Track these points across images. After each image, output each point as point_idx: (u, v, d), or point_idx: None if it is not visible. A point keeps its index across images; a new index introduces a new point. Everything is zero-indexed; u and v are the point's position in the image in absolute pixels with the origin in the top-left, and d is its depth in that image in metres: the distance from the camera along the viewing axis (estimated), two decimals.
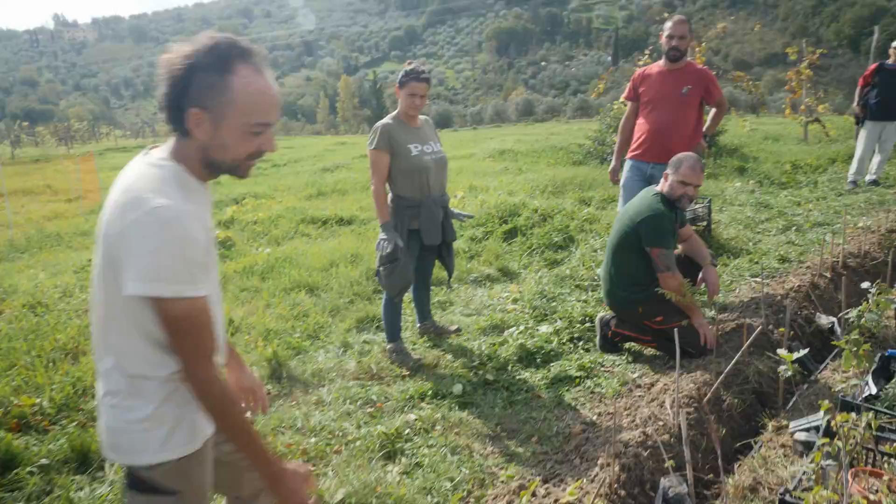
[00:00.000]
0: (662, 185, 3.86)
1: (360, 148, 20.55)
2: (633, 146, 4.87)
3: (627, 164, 4.92)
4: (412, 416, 3.41)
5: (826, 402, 1.90)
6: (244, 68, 1.44)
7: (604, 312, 4.14)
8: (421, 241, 3.94)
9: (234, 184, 11.85)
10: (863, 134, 8.45)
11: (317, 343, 4.57)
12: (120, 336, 1.49)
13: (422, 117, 4.02)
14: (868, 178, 8.48)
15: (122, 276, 1.40)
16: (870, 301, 2.98)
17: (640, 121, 4.83)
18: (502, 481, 2.82)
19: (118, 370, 1.51)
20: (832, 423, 1.33)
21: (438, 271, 4.81)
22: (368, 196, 10.61)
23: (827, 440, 1.60)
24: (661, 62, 4.77)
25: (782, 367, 2.83)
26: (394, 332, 4.19)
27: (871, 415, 1.52)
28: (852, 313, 3.00)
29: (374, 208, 3.91)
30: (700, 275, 4.01)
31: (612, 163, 5.19)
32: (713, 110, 4.96)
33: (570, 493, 2.28)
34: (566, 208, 7.19)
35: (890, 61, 8.15)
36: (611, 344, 4.01)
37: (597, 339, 4.10)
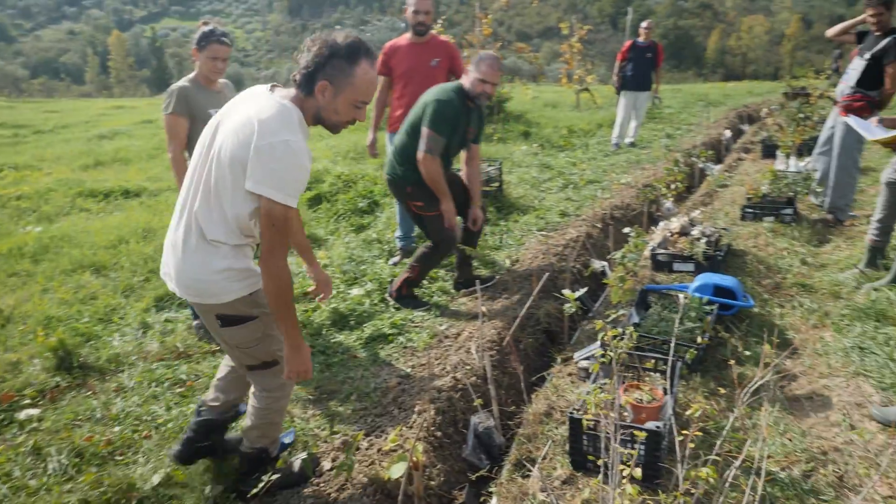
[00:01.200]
0: (465, 80, 4.03)
1: (141, 112, 18.71)
2: (392, 119, 5.04)
3: (388, 137, 5.13)
4: None
5: (599, 321, 2.26)
6: (365, 62, 2.07)
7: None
8: None
9: None
10: (621, 102, 9.64)
11: (111, 327, 4.23)
12: (216, 212, 2.08)
13: (221, 81, 3.84)
14: (627, 140, 9.72)
15: (248, 174, 1.97)
16: (630, 243, 3.53)
17: (397, 94, 4.97)
18: (325, 441, 2.91)
19: (201, 235, 2.12)
20: (604, 337, 1.65)
21: None
22: (156, 165, 9.87)
23: (602, 352, 1.92)
24: (408, 35, 4.91)
25: (566, 306, 3.25)
26: None
27: (631, 328, 1.86)
28: (616, 255, 3.52)
29: (174, 177, 3.69)
30: (469, 212, 4.33)
31: (370, 136, 5.24)
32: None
33: (391, 441, 2.45)
34: (369, 173, 7.31)
35: (640, 39, 9.34)
36: (407, 298, 4.24)
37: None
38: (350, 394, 3.28)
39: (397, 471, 2.13)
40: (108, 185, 8.06)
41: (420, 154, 3.88)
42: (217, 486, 2.57)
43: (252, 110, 2.03)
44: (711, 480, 1.48)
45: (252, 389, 2.50)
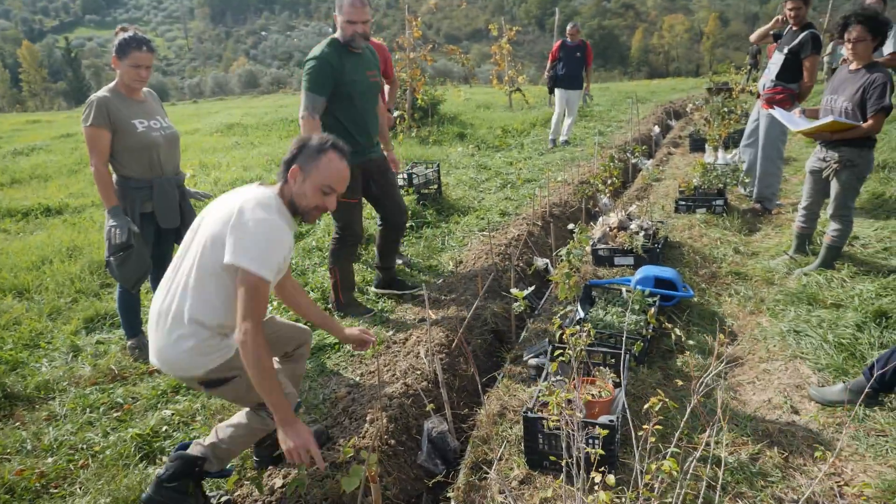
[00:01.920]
0: (337, 32, 3.84)
1: (59, 126, 17.81)
2: None
3: None
4: (167, 412, 3.19)
5: (557, 319, 2.26)
6: (332, 153, 2.35)
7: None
8: (156, 225, 3.64)
9: None
10: (556, 99, 9.80)
11: (37, 353, 3.98)
12: (197, 295, 2.22)
13: (145, 90, 3.66)
14: (561, 139, 9.88)
15: (226, 250, 2.14)
16: (574, 239, 3.55)
17: None
18: (274, 457, 2.80)
19: (179, 317, 2.24)
20: (564, 336, 1.63)
21: None
22: (77, 181, 9.41)
23: (560, 352, 1.92)
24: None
25: (515, 305, 3.25)
26: (134, 327, 3.84)
27: (588, 325, 1.86)
28: (561, 251, 3.55)
29: (98, 192, 3.49)
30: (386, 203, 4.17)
31: None
32: (387, 86, 5.38)
33: (345, 452, 2.37)
34: None
35: (569, 40, 9.51)
36: (350, 307, 4.16)
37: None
38: (298, 406, 3.17)
39: (351, 483, 2.06)
40: (27, 203, 7.62)
41: (300, 115, 3.74)
42: None
43: (234, 199, 2.27)
44: (675, 474, 1.49)
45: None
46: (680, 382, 2.44)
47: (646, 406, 1.65)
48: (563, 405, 1.62)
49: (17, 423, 3.22)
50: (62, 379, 3.62)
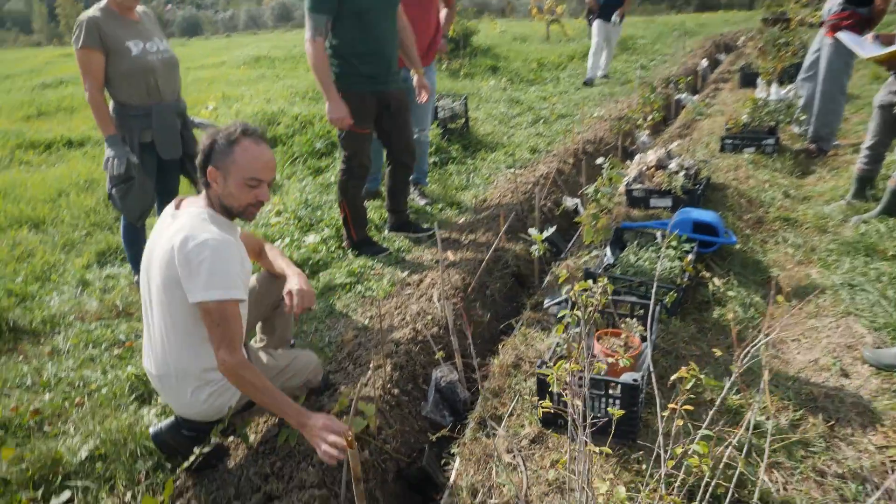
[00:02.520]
0: None
1: None
2: None
3: None
4: None
5: (564, 271, 1.98)
6: (245, 140, 2.09)
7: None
8: (158, 155, 3.42)
9: None
10: (595, 31, 9.19)
11: (48, 286, 3.89)
12: (188, 344, 2.08)
13: (140, 9, 3.38)
14: (600, 73, 9.32)
15: (186, 291, 1.96)
16: (604, 176, 3.20)
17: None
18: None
19: (188, 371, 2.10)
20: (571, 293, 1.34)
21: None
22: None
23: (570, 311, 1.65)
24: None
25: (534, 247, 2.97)
26: (139, 262, 3.68)
27: (605, 280, 1.58)
28: (589, 189, 3.21)
29: (95, 120, 3.27)
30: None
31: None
32: (445, 10, 4.92)
33: (340, 403, 2.19)
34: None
35: None
36: (364, 245, 3.94)
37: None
38: (303, 349, 3.00)
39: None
40: (51, 135, 7.52)
41: (305, 40, 3.42)
42: (148, 460, 2.29)
43: (167, 237, 2.05)
44: (705, 468, 1.23)
45: None
46: (718, 353, 2.13)
47: (672, 377, 1.38)
48: (570, 376, 1.36)
49: (21, 357, 3.13)
50: (69, 313, 3.53)
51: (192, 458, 2.06)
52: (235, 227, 2.22)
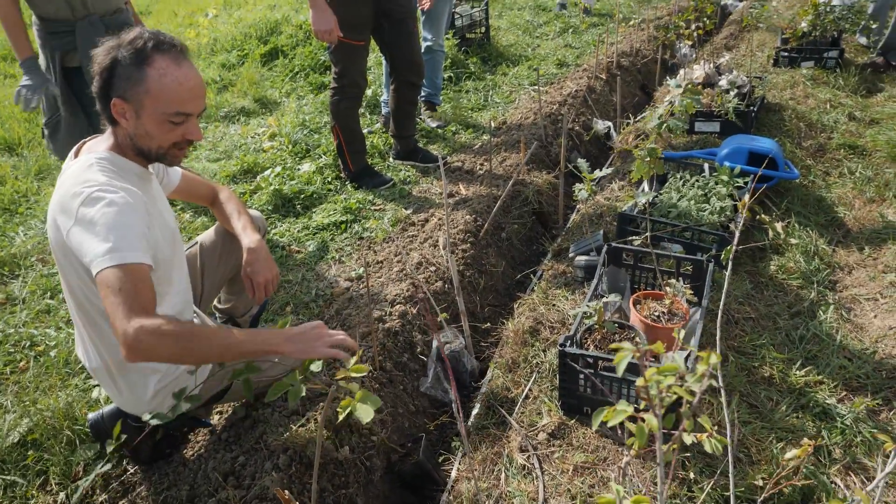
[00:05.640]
0: None
1: None
2: None
3: None
4: None
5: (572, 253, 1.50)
6: (160, 59, 1.49)
7: None
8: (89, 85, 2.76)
9: None
10: None
11: (15, 219, 3.49)
12: (87, 320, 1.62)
13: None
14: None
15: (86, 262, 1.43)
16: (675, 103, 2.57)
17: None
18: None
19: (121, 364, 1.65)
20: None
21: None
22: None
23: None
24: None
25: (579, 189, 2.45)
26: None
27: (647, 227, 1.11)
28: (651, 118, 2.61)
29: (7, 37, 2.67)
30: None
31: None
32: None
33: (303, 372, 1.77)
34: None
35: None
36: (364, 176, 3.46)
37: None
38: (285, 303, 2.59)
39: (367, 414, 1.36)
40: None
41: None
42: (90, 449, 1.91)
43: (54, 199, 1.54)
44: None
45: None
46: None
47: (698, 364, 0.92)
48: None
49: None
50: (31, 253, 3.13)
51: (117, 444, 1.65)
52: (149, 175, 1.67)
